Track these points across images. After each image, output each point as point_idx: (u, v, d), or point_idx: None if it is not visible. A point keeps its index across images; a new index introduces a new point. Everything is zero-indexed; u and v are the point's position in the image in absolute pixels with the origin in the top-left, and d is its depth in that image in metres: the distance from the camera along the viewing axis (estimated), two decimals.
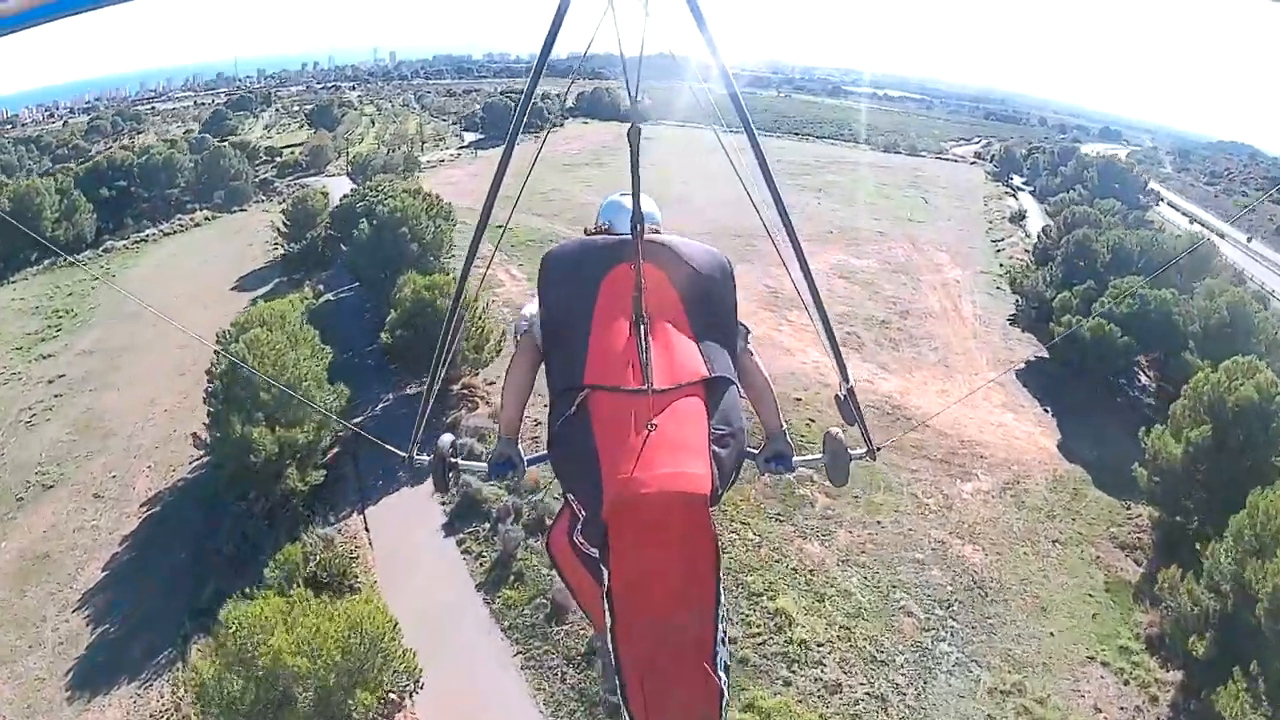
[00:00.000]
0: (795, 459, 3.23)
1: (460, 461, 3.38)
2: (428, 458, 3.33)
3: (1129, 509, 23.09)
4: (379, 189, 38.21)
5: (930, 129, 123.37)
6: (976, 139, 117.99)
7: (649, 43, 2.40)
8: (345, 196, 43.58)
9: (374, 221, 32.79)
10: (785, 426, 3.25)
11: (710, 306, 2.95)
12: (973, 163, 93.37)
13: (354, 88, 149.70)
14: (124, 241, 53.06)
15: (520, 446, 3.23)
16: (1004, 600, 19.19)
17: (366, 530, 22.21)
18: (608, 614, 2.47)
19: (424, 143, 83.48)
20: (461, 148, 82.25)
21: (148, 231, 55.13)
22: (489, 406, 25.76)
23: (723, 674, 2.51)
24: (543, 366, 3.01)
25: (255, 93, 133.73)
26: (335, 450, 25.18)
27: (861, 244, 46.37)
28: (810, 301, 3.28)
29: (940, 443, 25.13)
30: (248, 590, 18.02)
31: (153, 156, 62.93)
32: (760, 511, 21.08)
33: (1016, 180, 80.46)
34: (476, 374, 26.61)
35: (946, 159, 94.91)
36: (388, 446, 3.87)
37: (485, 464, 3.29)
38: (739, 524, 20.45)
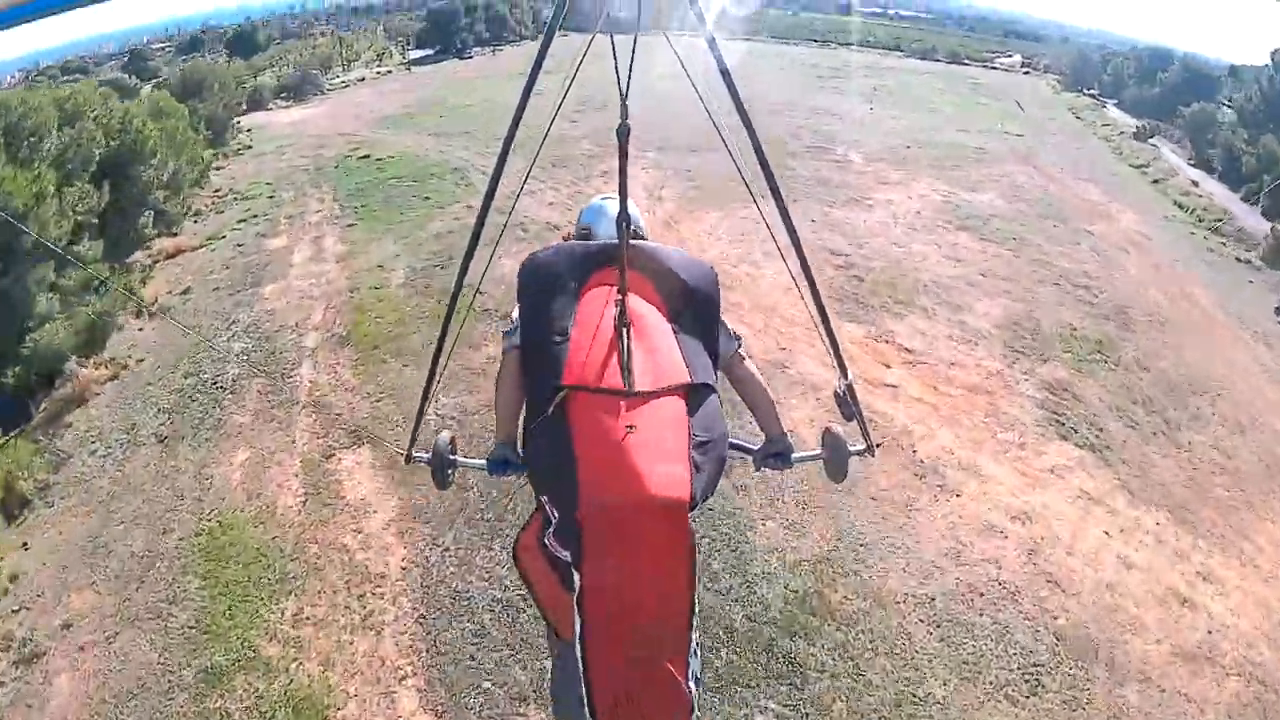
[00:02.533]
0: (794, 455, 2.99)
1: (459, 459, 3.13)
2: (426, 455, 3.09)
3: None
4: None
5: (954, 44, 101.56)
6: (1009, 53, 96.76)
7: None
8: None
9: None
10: (786, 431, 2.99)
11: (694, 313, 2.76)
12: (1025, 72, 72.06)
13: (328, 21, 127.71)
14: None
15: (518, 448, 2.85)
16: None
17: None
18: (578, 618, 2.27)
19: (348, 62, 62.10)
20: (398, 65, 60.73)
21: None
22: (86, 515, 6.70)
23: (693, 685, 2.34)
24: None
25: (208, 34, 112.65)
26: None
27: (963, 166, 25.75)
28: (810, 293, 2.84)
29: None
30: None
31: None
32: None
33: (1092, 92, 59.91)
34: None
35: (995, 68, 72.44)
36: (386, 444, 3.83)
37: (485, 462, 2.94)
38: None
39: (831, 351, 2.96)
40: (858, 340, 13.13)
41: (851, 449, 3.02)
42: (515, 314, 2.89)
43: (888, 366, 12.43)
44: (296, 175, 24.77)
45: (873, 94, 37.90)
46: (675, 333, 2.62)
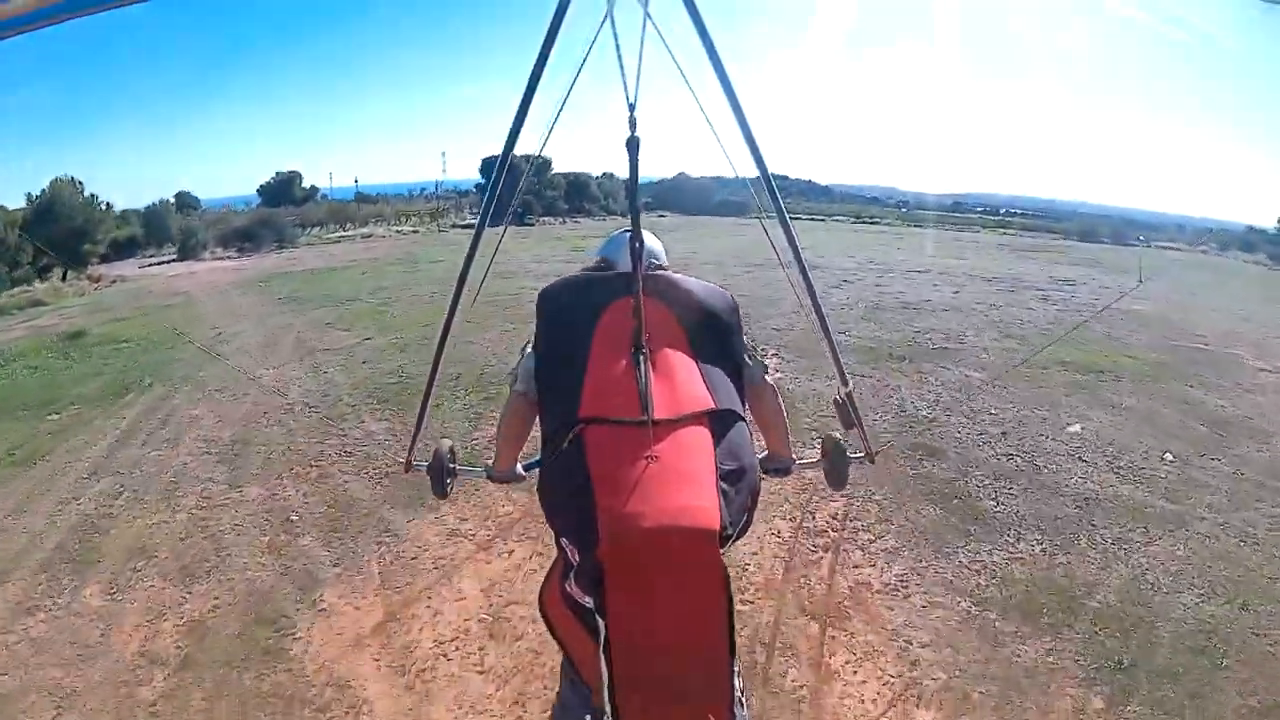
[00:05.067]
0: (794, 464, 2.73)
1: (459, 468, 2.93)
2: (425, 463, 2.86)
3: None
4: None
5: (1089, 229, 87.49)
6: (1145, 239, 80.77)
7: (648, 68, 2.13)
8: None
9: None
10: (792, 454, 2.68)
11: (716, 340, 2.38)
12: (1203, 251, 55.75)
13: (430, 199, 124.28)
14: None
15: (518, 465, 2.66)
16: None
17: None
18: (604, 670, 1.87)
19: (364, 219, 51.16)
20: (433, 226, 49.87)
21: None
22: None
23: None
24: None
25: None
26: None
27: None
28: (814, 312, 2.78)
29: None
30: None
31: None
32: None
33: None
34: None
35: (1166, 247, 55.87)
36: (385, 453, 4.07)
37: (485, 471, 2.72)
38: None
39: (832, 360, 2.82)
40: None
41: (851, 456, 2.82)
42: (527, 351, 2.48)
43: None
44: None
45: (1141, 251, 22.75)
46: (696, 359, 2.24)
